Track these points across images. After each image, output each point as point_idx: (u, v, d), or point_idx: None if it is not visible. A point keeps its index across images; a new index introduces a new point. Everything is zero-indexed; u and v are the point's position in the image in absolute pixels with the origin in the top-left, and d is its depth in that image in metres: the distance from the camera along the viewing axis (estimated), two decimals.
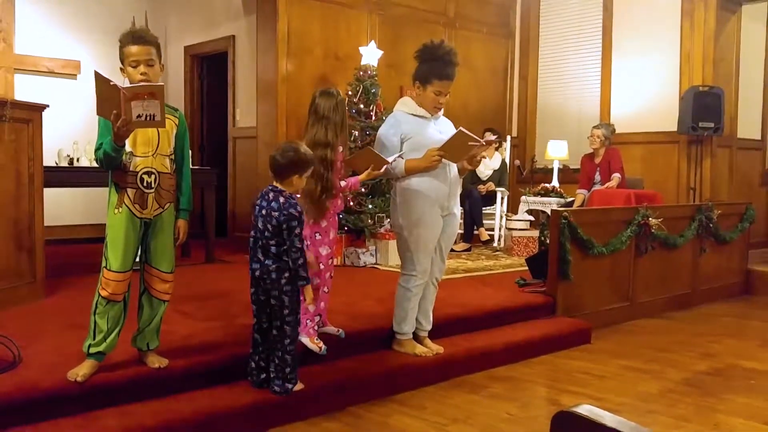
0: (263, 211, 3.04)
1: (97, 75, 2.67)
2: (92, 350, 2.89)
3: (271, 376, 3.08)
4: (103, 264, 2.90)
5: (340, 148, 3.53)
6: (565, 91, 8.65)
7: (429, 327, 3.87)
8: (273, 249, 3.03)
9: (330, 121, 3.50)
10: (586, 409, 1.15)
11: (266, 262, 3.04)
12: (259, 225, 3.05)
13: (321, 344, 3.50)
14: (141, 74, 2.89)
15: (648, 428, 1.10)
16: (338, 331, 3.65)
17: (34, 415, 2.67)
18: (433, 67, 3.62)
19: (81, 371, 2.83)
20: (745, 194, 7.66)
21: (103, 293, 2.88)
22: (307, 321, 3.49)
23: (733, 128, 7.78)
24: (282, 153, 3.05)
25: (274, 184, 3.09)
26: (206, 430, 2.84)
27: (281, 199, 3.02)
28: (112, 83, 2.65)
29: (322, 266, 3.51)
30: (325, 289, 3.57)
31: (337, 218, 3.63)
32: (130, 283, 2.95)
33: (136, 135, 2.89)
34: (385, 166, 3.49)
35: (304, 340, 3.47)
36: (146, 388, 2.96)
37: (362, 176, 3.55)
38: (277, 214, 3.00)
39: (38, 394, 2.72)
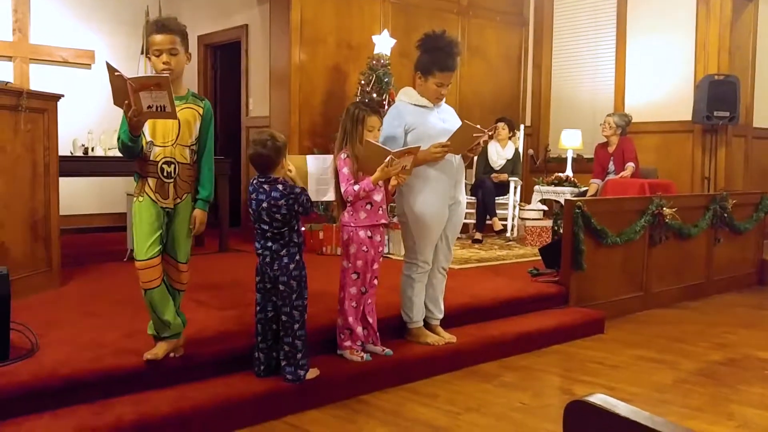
0: (264, 204, 3.05)
1: (108, 66, 2.69)
2: (162, 334, 2.99)
3: (282, 363, 3.10)
4: (135, 256, 2.96)
5: (343, 155, 3.42)
6: (579, 79, 8.60)
7: (440, 315, 3.88)
8: (286, 233, 3.06)
9: (341, 128, 3.51)
10: (599, 399, 1.15)
11: (275, 248, 3.07)
12: (265, 217, 3.06)
13: (362, 354, 3.46)
14: (164, 63, 2.90)
15: (662, 418, 1.10)
16: (384, 350, 3.56)
17: (52, 401, 2.71)
18: (435, 58, 3.60)
19: (154, 351, 2.95)
20: (760, 184, 7.60)
21: (140, 283, 2.93)
22: (343, 336, 3.48)
23: (748, 117, 7.70)
24: (262, 145, 3.04)
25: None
26: (220, 418, 2.87)
27: (280, 187, 3.05)
28: (117, 74, 2.67)
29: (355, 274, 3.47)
30: (353, 304, 3.47)
31: (362, 234, 3.43)
32: (162, 269, 2.95)
33: (156, 124, 2.91)
34: (389, 157, 3.31)
35: (345, 354, 3.47)
36: (161, 376, 2.99)
37: (374, 176, 3.34)
38: (282, 201, 3.02)
39: (55, 382, 2.75)
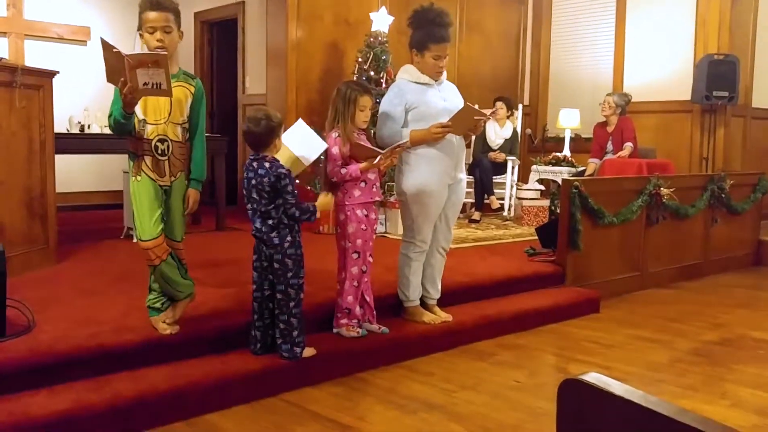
0: (253, 181, 3.05)
1: (103, 42, 2.66)
2: (179, 298, 3.08)
3: (278, 341, 3.11)
4: (137, 236, 2.96)
5: (334, 134, 3.42)
6: (578, 58, 8.55)
7: (437, 295, 3.89)
8: (273, 213, 3.05)
9: (332, 107, 3.48)
10: (593, 377, 1.15)
11: (264, 228, 3.07)
12: (254, 195, 3.06)
13: (358, 330, 3.48)
14: (157, 40, 2.88)
15: (655, 397, 1.10)
16: (380, 328, 3.58)
17: (49, 378, 2.71)
18: (428, 31, 3.56)
19: (170, 314, 3.06)
20: (758, 164, 7.58)
21: (147, 261, 2.96)
22: (340, 315, 3.49)
23: (747, 97, 7.67)
24: (256, 123, 3.03)
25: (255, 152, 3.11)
26: (217, 395, 2.88)
27: (266, 164, 3.04)
28: (115, 50, 2.65)
29: (356, 254, 3.47)
30: (355, 283, 3.48)
31: (360, 213, 3.44)
32: (165, 243, 2.98)
33: (147, 102, 2.89)
34: (378, 158, 3.35)
35: (341, 331, 3.48)
36: (158, 353, 3.00)
37: (362, 165, 3.39)
38: (266, 179, 3.01)
39: (52, 358, 2.76)
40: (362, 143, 3.39)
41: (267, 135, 3.04)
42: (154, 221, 2.93)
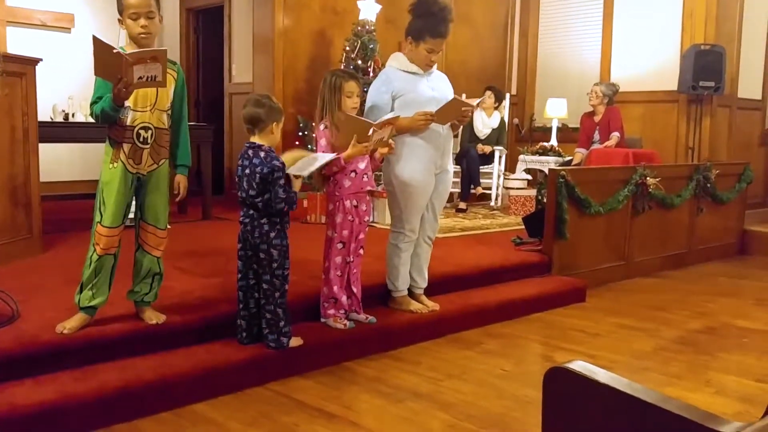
0: (246, 171, 3.04)
1: (96, 41, 2.62)
2: (83, 304, 2.91)
3: (265, 331, 3.11)
4: (96, 219, 2.90)
5: (322, 126, 3.40)
6: (565, 48, 8.55)
7: (424, 284, 3.89)
8: (260, 205, 3.03)
9: (319, 97, 3.45)
10: (579, 366, 1.16)
11: (256, 215, 3.06)
12: (244, 185, 3.05)
13: (345, 322, 3.47)
14: (141, 27, 2.85)
15: (640, 385, 1.11)
16: (367, 318, 3.57)
17: (34, 368, 2.69)
18: (428, 23, 3.53)
19: (69, 324, 2.86)
20: (743, 154, 7.64)
21: (96, 248, 2.89)
22: (327, 305, 3.48)
23: (733, 88, 7.71)
24: (256, 103, 3.04)
25: (252, 140, 3.08)
26: (204, 384, 2.87)
27: (262, 154, 3.03)
28: (115, 51, 2.61)
29: (340, 243, 3.44)
30: (338, 273, 3.46)
31: (348, 204, 3.41)
32: (120, 238, 2.94)
33: (136, 91, 2.86)
34: (372, 129, 3.28)
35: (329, 322, 3.47)
36: (144, 343, 2.98)
37: (345, 153, 3.30)
38: (260, 168, 3.00)
39: (37, 348, 2.74)
40: (353, 115, 3.34)
41: (265, 116, 3.02)
42: (122, 211, 2.89)
